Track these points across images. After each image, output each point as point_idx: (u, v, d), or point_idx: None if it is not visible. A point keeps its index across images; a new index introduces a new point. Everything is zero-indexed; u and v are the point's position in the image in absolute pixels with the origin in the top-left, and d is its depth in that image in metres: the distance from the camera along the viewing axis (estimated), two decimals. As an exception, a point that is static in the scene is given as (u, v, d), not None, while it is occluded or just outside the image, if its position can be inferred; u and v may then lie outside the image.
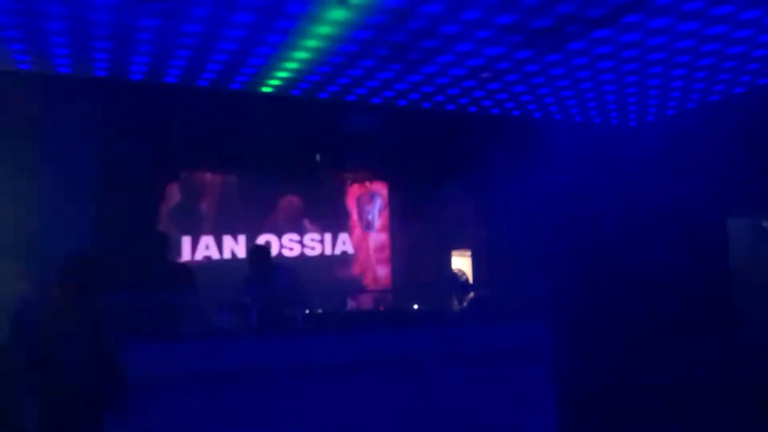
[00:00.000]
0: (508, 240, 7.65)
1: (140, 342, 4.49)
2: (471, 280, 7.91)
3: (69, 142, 5.61)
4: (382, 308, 7.85)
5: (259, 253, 6.38)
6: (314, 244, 8.64)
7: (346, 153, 7.43)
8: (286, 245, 8.45)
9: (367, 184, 8.76)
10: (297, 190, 8.14)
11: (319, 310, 6.63)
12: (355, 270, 8.87)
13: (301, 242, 8.53)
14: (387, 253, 8.98)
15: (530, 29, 4.81)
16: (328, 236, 8.68)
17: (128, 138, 5.85)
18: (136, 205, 6.19)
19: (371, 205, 8.96)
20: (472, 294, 7.06)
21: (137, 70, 5.44)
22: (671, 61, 5.55)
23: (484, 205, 7.83)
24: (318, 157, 7.25)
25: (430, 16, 4.53)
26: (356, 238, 8.88)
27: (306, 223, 8.45)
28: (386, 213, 8.99)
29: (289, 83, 5.83)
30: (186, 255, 7.93)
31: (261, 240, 8.14)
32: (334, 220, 8.68)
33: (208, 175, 7.73)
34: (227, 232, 8.11)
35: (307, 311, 6.18)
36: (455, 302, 6.87)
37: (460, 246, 8.76)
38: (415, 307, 7.04)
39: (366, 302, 7.98)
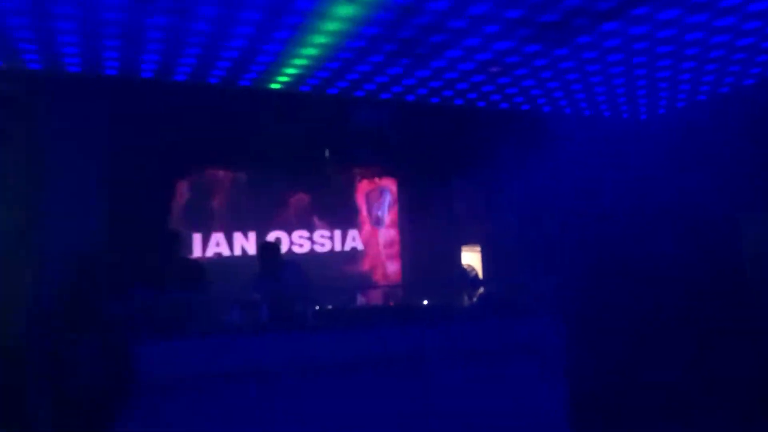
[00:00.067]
0: (517, 235, 7.65)
1: (152, 340, 4.53)
2: (480, 276, 7.91)
3: (80, 140, 5.66)
4: (392, 304, 7.87)
5: (268, 249, 6.41)
6: (324, 240, 8.67)
7: (355, 149, 7.44)
8: (296, 242, 8.48)
9: (377, 180, 8.78)
10: (306, 186, 8.17)
11: (329, 306, 6.66)
12: (365, 266, 8.89)
13: (310, 239, 8.56)
14: (396, 248, 9.00)
15: (538, 23, 4.80)
16: (337, 232, 8.71)
17: (138, 136, 5.89)
18: (147, 203, 6.22)
19: (380, 201, 8.97)
20: (481, 289, 7.07)
21: (147, 69, 5.47)
22: (680, 54, 5.52)
23: (494, 200, 7.83)
24: (327, 153, 7.27)
25: (437, 11, 4.53)
26: (366, 234, 8.90)
27: (315, 219, 8.48)
28: (395, 209, 9.00)
29: (297, 80, 5.85)
30: (197, 252, 7.98)
31: (271, 237, 8.18)
32: (343, 217, 8.70)
33: (218, 173, 7.77)
34: (237, 229, 8.16)
35: (317, 307, 6.21)
36: (465, 297, 6.88)
37: (470, 241, 8.76)
38: (425, 302, 7.06)
39: (376, 298, 8.00)
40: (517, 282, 7.13)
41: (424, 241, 8.67)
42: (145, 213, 6.25)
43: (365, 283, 8.74)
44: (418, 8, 4.45)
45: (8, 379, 4.80)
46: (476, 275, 7.33)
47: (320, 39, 5.00)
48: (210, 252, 8.06)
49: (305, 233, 8.52)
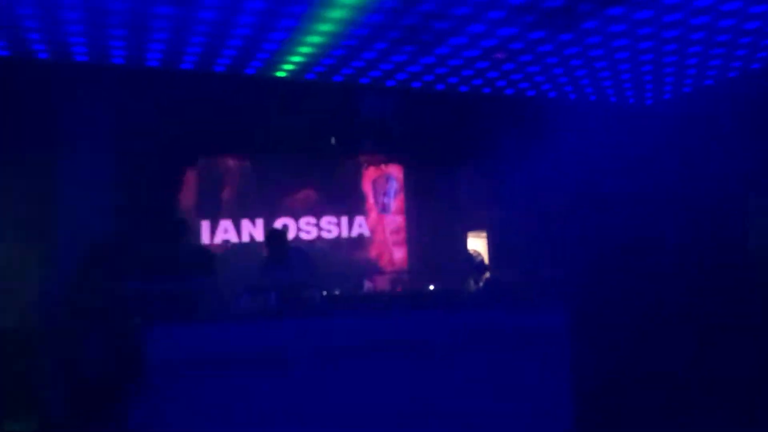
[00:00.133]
0: (523, 221, 7.66)
1: (162, 326, 4.60)
2: (486, 261, 7.95)
3: (88, 130, 5.71)
4: (398, 289, 7.93)
5: (275, 236, 6.47)
6: (331, 227, 8.73)
7: (361, 136, 7.46)
8: (303, 228, 8.54)
9: (383, 166, 8.81)
10: (312, 173, 8.22)
11: (337, 292, 6.73)
12: (372, 252, 8.95)
13: (317, 225, 8.62)
14: (403, 235, 9.04)
15: (543, 9, 4.80)
16: (344, 219, 8.76)
17: (146, 125, 5.94)
18: (156, 191, 6.28)
19: (387, 188, 9.01)
20: (487, 275, 7.11)
21: (153, 58, 5.50)
22: (686, 38, 5.50)
23: (500, 186, 7.84)
24: (333, 140, 7.30)
25: (441, -1, 4.55)
26: (372, 220, 8.95)
27: (322, 206, 8.54)
28: (402, 195, 9.04)
29: (303, 67, 5.87)
30: (205, 239, 8.05)
31: (278, 224, 8.25)
32: (350, 203, 8.75)
33: (224, 161, 7.83)
34: (245, 217, 8.23)
35: (325, 293, 6.27)
36: (471, 283, 6.92)
37: (476, 227, 8.79)
38: (431, 288, 7.11)
39: (382, 284, 8.06)
40: (523, 267, 7.18)
41: (431, 227, 8.72)
42: (154, 201, 6.31)
43: (372, 269, 8.81)
44: (422, -5, 4.47)
45: (23, 365, 4.89)
46: (482, 261, 7.37)
47: (325, 27, 5.01)
48: (218, 239, 8.14)
49: (312, 220, 8.58)
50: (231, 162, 7.90)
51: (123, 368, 3.90)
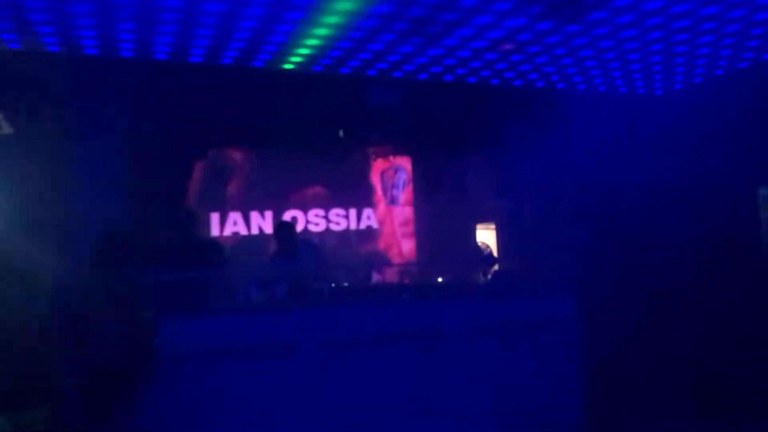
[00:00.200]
0: (532, 213, 7.65)
1: (172, 317, 4.65)
2: (495, 253, 7.96)
3: (99, 122, 5.76)
4: (407, 281, 7.96)
5: (284, 228, 6.51)
6: (339, 219, 8.75)
7: (369, 128, 7.46)
8: (311, 220, 8.57)
9: (391, 158, 8.82)
10: (320, 166, 8.24)
11: (345, 284, 6.76)
12: (380, 244, 8.97)
13: (326, 217, 8.65)
14: (411, 227, 9.06)
15: (549, 0, 4.78)
16: (353, 211, 8.78)
17: (156, 117, 5.97)
18: (165, 183, 6.32)
19: (395, 180, 9.01)
20: (496, 267, 7.12)
21: (161, 51, 5.53)
22: (697, 28, 5.45)
23: (508, 177, 7.83)
24: (341, 132, 7.31)
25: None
26: (381, 212, 8.96)
27: (330, 197, 8.56)
28: (410, 187, 9.04)
29: (310, 60, 5.88)
30: (215, 231, 8.10)
31: (287, 216, 8.28)
32: (358, 195, 8.77)
33: (233, 153, 7.87)
34: (254, 209, 8.26)
35: (333, 285, 6.31)
36: (479, 275, 6.94)
37: (485, 219, 8.79)
38: (440, 280, 7.13)
39: (391, 276, 8.09)
40: (532, 259, 7.18)
41: (439, 219, 8.72)
42: (164, 192, 6.35)
43: (381, 261, 8.83)
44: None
45: (35, 355, 4.95)
46: (490, 253, 7.39)
47: (332, 19, 5.02)
48: (227, 231, 8.19)
49: (321, 212, 8.61)
50: (239, 154, 7.93)
51: (135, 358, 3.94)
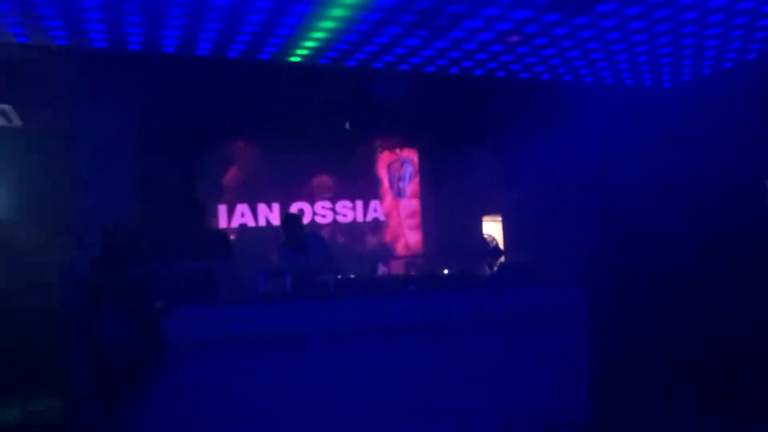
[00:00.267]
0: (539, 205, 7.64)
1: (179, 306, 4.69)
2: (501, 246, 7.96)
3: (107, 114, 5.79)
4: (413, 273, 7.98)
5: (292, 220, 6.54)
6: (346, 211, 8.78)
7: (376, 120, 7.47)
8: (318, 212, 8.60)
9: (398, 151, 8.82)
10: (327, 158, 8.26)
11: (351, 275, 6.79)
12: (387, 236, 8.99)
13: (333, 209, 8.67)
14: (418, 219, 9.07)
15: (557, -8, 4.77)
16: (359, 203, 8.80)
17: (163, 110, 6.01)
18: (172, 175, 6.36)
19: (402, 172, 9.02)
20: (502, 259, 7.12)
21: (169, 44, 5.56)
22: (705, 20, 5.42)
23: (515, 170, 7.81)
24: (347, 124, 7.32)
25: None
26: (387, 205, 8.98)
27: (337, 189, 8.58)
28: (417, 179, 9.05)
29: (316, 52, 5.89)
30: (222, 222, 8.15)
31: (294, 208, 8.31)
32: (365, 188, 8.79)
33: (241, 144, 7.89)
34: (261, 201, 8.30)
35: (339, 276, 6.34)
36: (485, 267, 6.94)
37: (491, 211, 8.79)
38: (446, 271, 7.14)
39: (397, 268, 8.11)
40: (538, 252, 7.17)
41: (446, 211, 8.73)
42: (171, 184, 6.39)
43: (387, 253, 8.86)
44: (435, -21, 4.45)
45: (46, 345, 5.02)
46: (496, 245, 7.38)
47: (338, 12, 5.02)
48: (235, 222, 8.24)
49: (327, 204, 8.64)
50: (246, 146, 7.96)
51: (143, 347, 3.98)
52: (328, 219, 8.62)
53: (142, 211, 5.73)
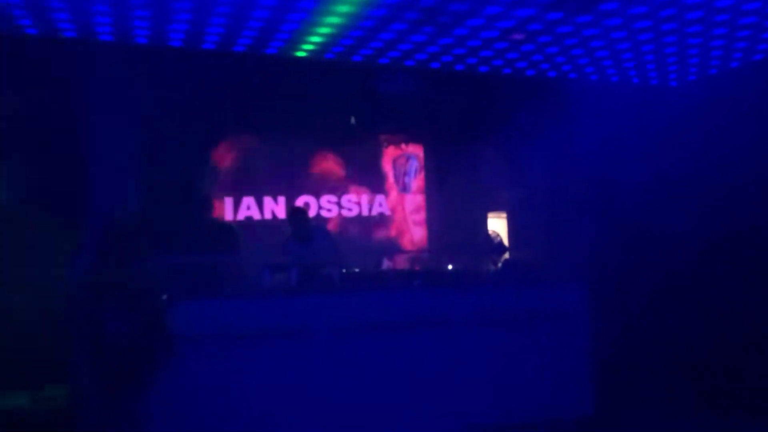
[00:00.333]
0: (544, 202, 7.65)
1: (184, 300, 4.75)
2: (506, 242, 7.97)
3: (114, 106, 5.84)
4: (417, 268, 8.01)
5: (298, 214, 6.59)
6: (351, 205, 8.82)
7: (381, 115, 7.49)
8: (324, 206, 8.64)
9: (403, 146, 8.84)
10: (333, 152, 8.29)
11: (356, 270, 6.83)
12: (392, 231, 9.02)
13: (338, 204, 8.71)
14: (423, 214, 9.09)
15: (561, -10, 4.77)
16: (365, 198, 8.84)
17: (170, 103, 6.05)
18: (179, 168, 6.42)
19: (407, 167, 9.05)
20: (506, 255, 7.14)
21: (176, 38, 5.60)
22: (711, 20, 5.41)
23: (520, 167, 7.82)
24: (353, 119, 7.35)
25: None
26: (392, 200, 9.01)
27: (345, 184, 8.61)
28: (422, 175, 9.07)
29: (322, 47, 5.92)
30: (228, 215, 8.21)
31: (299, 202, 8.36)
32: (370, 183, 8.82)
33: (246, 139, 7.93)
34: (267, 194, 8.35)
35: (344, 271, 6.38)
36: (489, 263, 6.96)
37: (496, 208, 8.80)
38: (450, 267, 7.17)
39: (402, 263, 8.14)
40: (543, 248, 7.19)
41: (451, 207, 8.74)
42: (178, 177, 6.44)
43: (392, 248, 8.89)
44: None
45: (52, 337, 5.10)
46: (501, 241, 7.40)
47: (343, 8, 5.05)
48: (241, 215, 8.29)
49: (333, 198, 8.68)
50: (252, 140, 8.01)
51: (149, 339, 4.02)
52: (334, 213, 8.67)
53: (148, 204, 5.78)
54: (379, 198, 8.88)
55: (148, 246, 4.33)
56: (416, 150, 8.89)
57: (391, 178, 8.90)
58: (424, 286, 6.26)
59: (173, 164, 6.29)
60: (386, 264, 7.56)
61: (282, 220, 8.14)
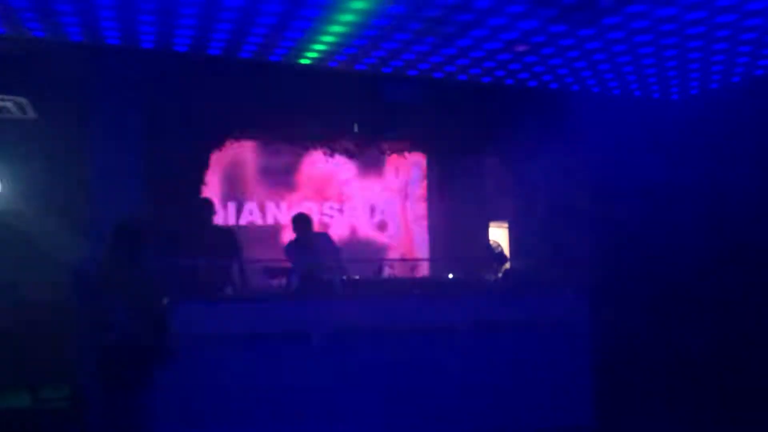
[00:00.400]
0: (546, 213, 7.66)
1: (187, 302, 4.80)
2: (506, 252, 8.01)
3: (118, 109, 5.90)
4: (417, 276, 8.05)
5: (301, 220, 6.64)
6: (353, 212, 8.87)
7: (384, 124, 7.52)
8: (326, 212, 8.70)
9: (406, 154, 8.89)
10: (336, 159, 8.34)
11: (357, 276, 6.87)
12: (394, 239, 9.06)
13: (340, 210, 8.76)
14: (425, 222, 9.14)
15: (563, 4, 4.81)
16: (367, 205, 8.89)
17: (174, 107, 6.10)
18: (182, 172, 6.46)
19: (410, 176, 9.09)
20: (507, 265, 7.18)
21: (181, 43, 5.66)
22: (711, 36, 5.45)
23: (522, 177, 7.84)
24: (356, 127, 7.39)
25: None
26: (395, 207, 9.06)
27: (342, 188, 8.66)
28: (425, 183, 9.12)
29: (326, 56, 5.97)
30: (231, 220, 8.26)
31: (302, 207, 8.42)
32: (373, 190, 8.88)
33: (250, 144, 8.00)
34: (269, 199, 8.42)
35: (345, 277, 6.42)
36: (490, 273, 7.00)
37: (498, 217, 8.83)
38: (450, 276, 7.21)
39: (403, 271, 8.18)
40: (544, 259, 7.21)
41: (452, 216, 8.78)
42: (181, 181, 6.49)
43: (393, 255, 8.93)
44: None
45: (56, 337, 5.15)
46: (501, 251, 7.43)
47: (347, 17, 5.10)
48: (243, 220, 8.35)
49: (335, 204, 8.73)
50: (256, 146, 8.07)
51: (151, 340, 4.06)
52: (336, 219, 8.72)
53: (152, 207, 5.83)
54: (381, 205, 8.93)
55: (152, 248, 4.38)
56: (419, 158, 8.94)
57: (393, 186, 8.96)
58: (424, 295, 6.30)
59: (176, 168, 6.33)
60: (387, 271, 7.61)
61: (283, 226, 8.20)
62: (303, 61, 6.10)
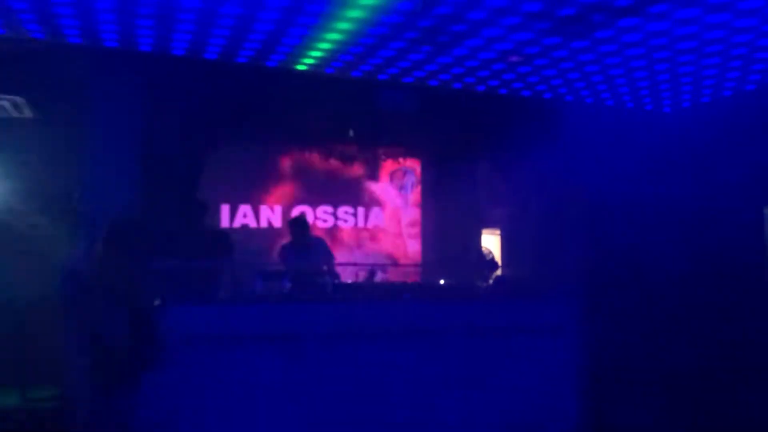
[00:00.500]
0: (538, 221, 7.73)
1: (179, 304, 4.83)
2: (498, 259, 8.07)
3: (115, 111, 5.93)
4: (409, 281, 8.10)
5: (298, 223, 6.68)
6: (347, 217, 8.91)
7: (379, 130, 7.59)
8: (320, 217, 8.74)
9: (401, 160, 8.96)
10: (330, 164, 8.40)
11: (349, 281, 6.92)
12: (387, 244, 9.11)
13: (334, 215, 8.81)
14: (418, 228, 9.19)
15: (557, 17, 4.88)
16: (361, 210, 8.93)
17: (170, 110, 6.14)
18: (177, 175, 6.50)
19: (404, 181, 9.15)
20: (498, 272, 7.23)
21: (179, 47, 5.71)
22: (702, 51, 5.52)
23: (515, 185, 7.91)
24: (351, 132, 7.45)
25: (457, 2, 4.66)
26: (388, 212, 9.10)
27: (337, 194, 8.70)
28: (419, 189, 9.17)
29: (322, 62, 6.03)
30: (225, 222, 8.30)
31: (296, 211, 8.46)
32: (367, 195, 8.92)
33: (246, 148, 8.04)
34: (263, 203, 8.45)
35: (337, 281, 6.47)
36: (482, 279, 7.05)
37: (490, 225, 8.90)
38: (442, 282, 7.26)
39: (395, 275, 8.23)
40: (536, 267, 7.27)
41: (446, 222, 8.84)
42: (175, 183, 6.53)
43: (386, 260, 8.98)
44: (439, -1, 4.59)
45: (46, 337, 5.16)
46: (493, 258, 7.50)
47: (344, 25, 5.16)
48: (237, 223, 8.39)
49: (329, 209, 8.78)
50: (251, 150, 8.11)
51: (142, 342, 4.08)
52: (330, 224, 8.76)
53: (145, 209, 5.86)
54: (375, 210, 8.98)
55: (144, 249, 4.40)
56: (413, 164, 9.01)
57: (387, 191, 9.01)
58: (415, 300, 6.35)
59: (171, 170, 6.37)
60: (380, 276, 7.66)
61: (277, 229, 8.23)
62: (300, 68, 6.15)
